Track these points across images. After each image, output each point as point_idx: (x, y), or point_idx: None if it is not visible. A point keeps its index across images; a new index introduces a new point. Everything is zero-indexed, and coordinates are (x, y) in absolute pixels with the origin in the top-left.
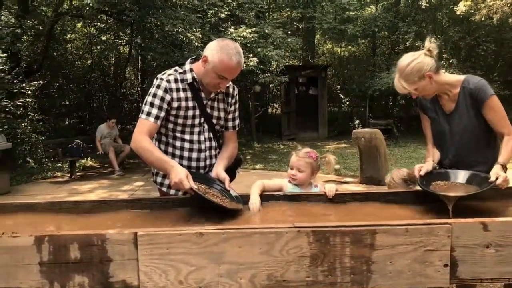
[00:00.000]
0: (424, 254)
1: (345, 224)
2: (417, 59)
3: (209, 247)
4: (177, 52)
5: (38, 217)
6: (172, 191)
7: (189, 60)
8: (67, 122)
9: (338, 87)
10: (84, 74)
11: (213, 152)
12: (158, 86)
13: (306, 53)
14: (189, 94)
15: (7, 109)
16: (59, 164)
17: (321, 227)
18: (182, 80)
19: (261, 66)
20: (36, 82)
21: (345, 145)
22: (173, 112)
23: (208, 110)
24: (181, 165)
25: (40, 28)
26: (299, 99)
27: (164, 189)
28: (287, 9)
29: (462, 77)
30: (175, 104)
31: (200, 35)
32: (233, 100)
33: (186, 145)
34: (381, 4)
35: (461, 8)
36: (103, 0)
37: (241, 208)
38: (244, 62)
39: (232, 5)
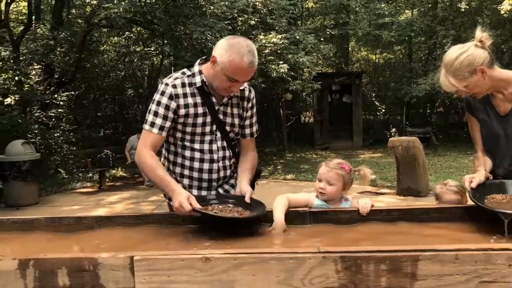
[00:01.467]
0: (479, 287)
1: (380, 248)
2: (467, 52)
3: (217, 275)
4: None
5: (33, 235)
6: None
7: (198, 61)
8: (102, 133)
9: (373, 94)
10: (118, 85)
11: (227, 162)
12: (163, 93)
13: (339, 59)
14: (198, 100)
15: (39, 119)
16: (90, 175)
17: (352, 252)
18: (191, 84)
19: (292, 73)
20: (68, 93)
21: (381, 154)
22: (181, 120)
23: (221, 117)
24: (191, 177)
25: (73, 39)
26: (333, 107)
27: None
28: (320, 17)
29: None
30: (182, 112)
31: None
32: (249, 104)
33: (197, 155)
34: (417, 9)
35: (505, 7)
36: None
37: (261, 213)
38: (275, 69)
39: (262, 11)
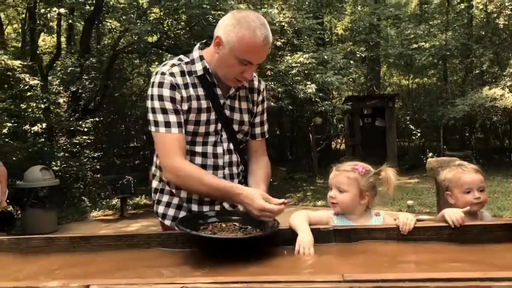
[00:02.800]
0: None
1: (432, 276)
2: None
3: None
4: None
5: None
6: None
7: (198, 45)
8: (131, 163)
9: (408, 118)
10: (146, 114)
11: (235, 169)
12: (161, 84)
13: (370, 82)
14: (200, 92)
15: (64, 147)
16: (113, 202)
17: (391, 281)
18: (190, 73)
19: (321, 94)
20: (93, 119)
21: (418, 180)
22: (184, 117)
23: (227, 113)
24: None
25: (99, 67)
26: (365, 131)
27: (167, 222)
28: (350, 43)
29: None
30: (185, 106)
31: None
32: (260, 98)
33: (198, 160)
34: (452, 28)
35: None
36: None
37: (271, 232)
38: (302, 90)
39: (289, 32)
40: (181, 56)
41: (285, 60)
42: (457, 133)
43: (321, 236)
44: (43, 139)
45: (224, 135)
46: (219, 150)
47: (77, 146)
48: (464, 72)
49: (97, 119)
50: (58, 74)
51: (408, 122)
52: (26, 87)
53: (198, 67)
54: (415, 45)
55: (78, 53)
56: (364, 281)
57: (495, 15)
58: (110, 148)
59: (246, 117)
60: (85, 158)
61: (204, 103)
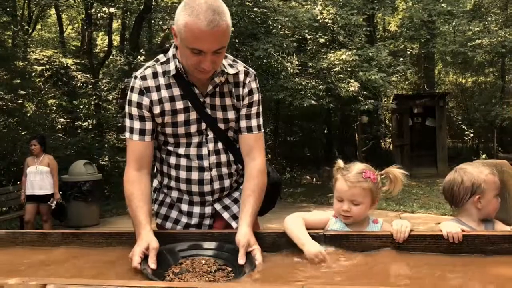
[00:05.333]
0: None
1: None
2: None
3: None
4: (271, 80)
5: None
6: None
7: (173, 43)
8: None
9: (460, 117)
10: None
11: (225, 170)
12: (132, 89)
13: (421, 80)
14: (176, 92)
15: (112, 143)
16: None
17: None
18: (164, 73)
19: (365, 93)
20: None
21: None
22: (159, 120)
23: (209, 111)
24: (179, 189)
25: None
26: (414, 131)
27: (158, 220)
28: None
29: None
30: (157, 109)
31: (296, 61)
32: (246, 90)
33: (183, 162)
34: (509, 28)
35: None
36: None
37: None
38: (344, 88)
39: (333, 28)
40: (159, 56)
41: (327, 58)
42: None
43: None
44: (92, 135)
45: (210, 135)
46: (204, 151)
47: (124, 142)
48: None
49: None
50: (108, 71)
51: (459, 122)
52: (78, 84)
53: (172, 66)
54: (472, 42)
55: (127, 51)
56: None
57: None
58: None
59: (231, 114)
60: None
61: (180, 104)
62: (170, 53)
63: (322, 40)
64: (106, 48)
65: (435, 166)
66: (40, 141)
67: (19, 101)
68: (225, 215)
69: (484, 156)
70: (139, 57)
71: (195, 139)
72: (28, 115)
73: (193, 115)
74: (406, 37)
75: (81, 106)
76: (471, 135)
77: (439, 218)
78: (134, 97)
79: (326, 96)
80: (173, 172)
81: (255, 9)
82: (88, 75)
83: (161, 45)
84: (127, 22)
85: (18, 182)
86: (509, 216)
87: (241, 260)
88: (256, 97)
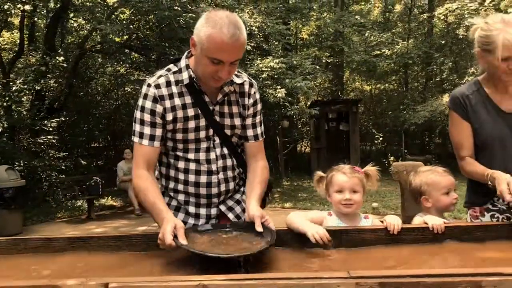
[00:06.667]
0: None
1: (430, 272)
2: None
3: None
4: None
5: None
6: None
7: (186, 53)
8: (94, 164)
9: (371, 122)
10: (111, 113)
11: (230, 173)
12: (146, 96)
13: (336, 87)
14: (188, 100)
15: (29, 146)
16: (79, 203)
17: (393, 277)
18: (177, 82)
19: (290, 99)
20: (58, 119)
21: (380, 182)
22: (170, 127)
23: (217, 118)
24: (187, 193)
25: (65, 65)
26: (330, 135)
27: None
28: (315, 48)
29: None
30: (169, 116)
31: None
32: (251, 101)
33: (192, 166)
34: (412, 39)
35: None
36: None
37: (266, 246)
38: (272, 94)
39: (258, 36)
40: (170, 66)
41: (255, 64)
42: (418, 138)
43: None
44: (4, 138)
45: (217, 140)
46: (212, 155)
47: (42, 146)
48: (425, 79)
49: (62, 119)
50: (21, 72)
51: (370, 127)
52: None
53: (185, 75)
54: (377, 52)
55: (43, 51)
56: (370, 277)
57: (455, 25)
58: (74, 148)
59: (237, 121)
60: (50, 158)
61: (192, 111)
62: (183, 63)
63: (249, 48)
64: (8, 46)
65: None
66: None
67: None
68: (230, 215)
69: (392, 158)
70: (57, 57)
71: (204, 145)
72: None
73: (202, 122)
74: (322, 46)
75: None
76: (381, 138)
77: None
78: (148, 104)
79: None
80: (181, 176)
81: (183, 14)
82: None
83: (80, 46)
84: (40, 20)
85: None
86: (405, 213)
87: (259, 228)
88: (259, 106)
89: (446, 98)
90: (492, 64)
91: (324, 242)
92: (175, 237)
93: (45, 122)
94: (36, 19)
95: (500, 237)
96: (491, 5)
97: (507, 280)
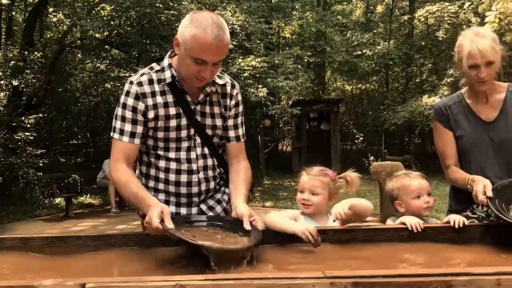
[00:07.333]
0: None
1: (403, 272)
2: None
3: None
4: None
5: None
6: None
7: (169, 53)
8: (72, 161)
9: (351, 122)
10: (90, 110)
11: (211, 173)
12: (128, 93)
13: (318, 87)
14: (169, 99)
15: (6, 143)
16: (57, 201)
17: (367, 277)
18: (160, 81)
19: (271, 98)
20: (36, 116)
21: (360, 182)
22: (151, 124)
23: (198, 118)
24: (167, 192)
25: (43, 61)
26: (311, 135)
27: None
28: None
29: (505, 84)
30: (151, 114)
31: None
32: (233, 102)
33: (172, 165)
34: (393, 40)
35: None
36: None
37: (255, 242)
38: (253, 93)
39: (241, 35)
40: (153, 64)
41: (237, 63)
42: (397, 138)
43: (287, 237)
44: None
45: (198, 140)
46: (193, 155)
47: (19, 143)
48: (405, 80)
49: (40, 115)
50: None
51: (351, 127)
52: None
53: (167, 74)
54: (359, 52)
55: (21, 46)
56: (344, 277)
57: (435, 27)
58: (52, 145)
59: (218, 122)
60: (27, 155)
61: (173, 110)
62: (166, 62)
63: (231, 46)
64: None
65: (330, 167)
66: None
67: None
68: (210, 214)
69: (372, 158)
70: (35, 52)
71: (185, 144)
72: None
73: (183, 121)
74: (304, 46)
75: None
76: (361, 138)
77: None
78: (130, 101)
79: None
80: (162, 175)
81: (165, 11)
82: None
83: (60, 41)
84: (18, 15)
85: None
86: (384, 213)
87: (247, 226)
88: (241, 108)
89: (425, 99)
90: (465, 73)
91: (314, 239)
92: (162, 221)
93: (23, 118)
94: (14, 13)
95: (472, 239)
96: (470, 8)
97: (475, 279)
